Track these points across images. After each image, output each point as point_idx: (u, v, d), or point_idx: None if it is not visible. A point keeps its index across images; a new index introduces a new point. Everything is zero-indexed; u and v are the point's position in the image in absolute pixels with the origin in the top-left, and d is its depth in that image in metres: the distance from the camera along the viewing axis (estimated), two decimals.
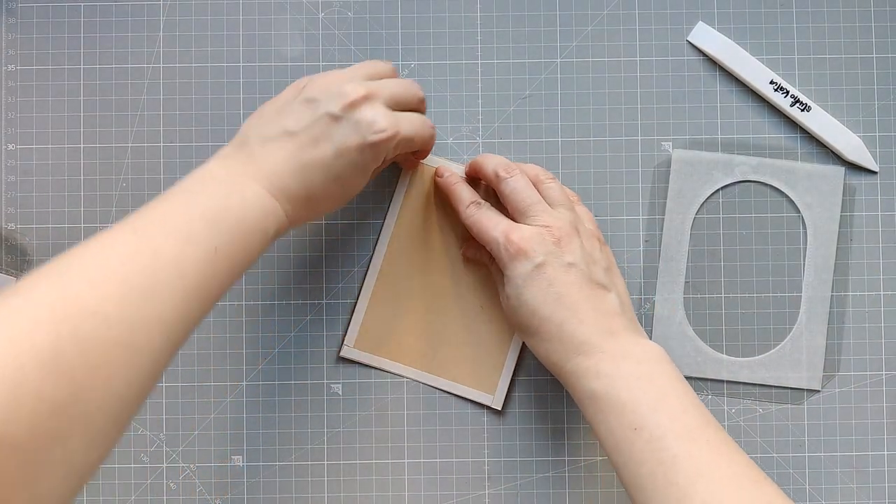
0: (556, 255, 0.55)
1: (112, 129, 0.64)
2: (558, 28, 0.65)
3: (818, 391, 0.63)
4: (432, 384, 0.63)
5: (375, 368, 0.64)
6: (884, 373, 0.64)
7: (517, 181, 0.58)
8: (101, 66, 0.65)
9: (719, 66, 0.64)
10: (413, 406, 0.64)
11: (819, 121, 0.64)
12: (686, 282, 0.64)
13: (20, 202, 0.64)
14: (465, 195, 0.60)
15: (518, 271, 0.56)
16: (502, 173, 0.59)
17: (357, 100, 0.53)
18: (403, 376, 0.64)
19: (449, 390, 0.63)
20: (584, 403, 0.54)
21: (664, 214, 0.64)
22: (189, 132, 0.64)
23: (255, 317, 0.64)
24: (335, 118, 0.53)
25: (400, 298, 0.63)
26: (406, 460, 0.64)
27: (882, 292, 0.64)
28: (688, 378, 0.63)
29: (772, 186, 0.64)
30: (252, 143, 0.53)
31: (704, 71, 0.65)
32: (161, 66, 0.65)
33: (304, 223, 0.56)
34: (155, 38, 0.65)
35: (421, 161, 0.63)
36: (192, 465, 0.64)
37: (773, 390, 0.63)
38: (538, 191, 0.59)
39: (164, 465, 0.63)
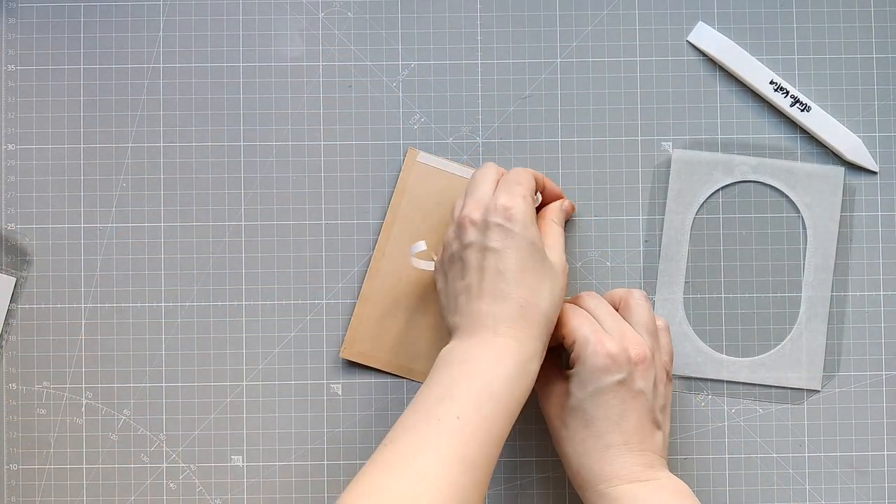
0: (632, 378, 0.55)
1: (112, 129, 0.64)
2: (558, 28, 0.65)
3: (818, 391, 0.63)
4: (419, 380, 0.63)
5: (375, 370, 0.64)
6: (884, 373, 0.64)
7: (648, 306, 0.59)
8: (101, 66, 0.65)
9: (719, 66, 0.64)
10: None
11: (819, 121, 0.64)
12: (686, 282, 0.64)
13: (20, 202, 0.64)
14: None
15: (597, 379, 0.55)
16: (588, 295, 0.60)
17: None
18: (404, 377, 0.64)
19: None
20: None
21: (664, 214, 0.64)
22: (189, 132, 0.64)
23: (255, 317, 0.64)
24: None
25: (398, 300, 0.63)
26: None
27: (882, 292, 0.64)
28: (688, 378, 0.63)
29: (772, 186, 0.64)
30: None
31: (704, 71, 0.65)
32: (161, 66, 0.65)
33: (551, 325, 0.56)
34: (155, 38, 0.65)
35: (421, 161, 0.63)
36: (192, 465, 0.64)
37: (773, 390, 0.63)
38: (627, 303, 0.58)
39: (164, 465, 0.64)
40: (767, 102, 0.64)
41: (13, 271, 0.64)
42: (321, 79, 0.65)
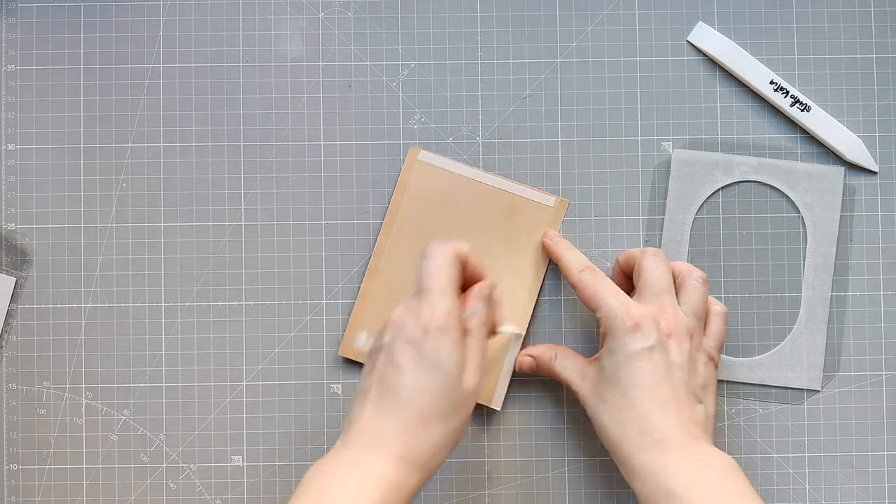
0: (663, 348, 0.54)
1: (112, 129, 0.64)
2: (558, 28, 0.65)
3: (818, 391, 0.63)
4: None
5: None
6: (884, 373, 0.64)
7: (659, 262, 0.57)
8: (101, 66, 0.65)
9: (719, 66, 0.64)
10: None
11: (819, 121, 0.64)
12: None
13: (20, 202, 0.64)
14: (576, 260, 0.60)
15: (627, 346, 0.54)
16: (650, 251, 0.58)
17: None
18: None
19: None
20: (655, 499, 0.52)
21: (664, 214, 0.64)
22: (189, 132, 0.64)
23: (255, 317, 0.64)
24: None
25: (397, 299, 0.62)
26: None
27: (882, 292, 0.64)
28: None
29: (772, 186, 0.64)
30: None
31: (704, 71, 0.65)
32: (161, 66, 0.65)
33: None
34: (155, 38, 0.65)
35: (422, 160, 0.63)
36: (192, 465, 0.64)
37: (773, 390, 0.63)
38: (683, 283, 0.57)
39: (164, 465, 0.64)
40: (767, 102, 0.64)
41: (13, 271, 0.64)
42: (321, 79, 0.65)
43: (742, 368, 0.63)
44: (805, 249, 0.64)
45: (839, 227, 0.64)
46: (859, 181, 0.64)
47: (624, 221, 0.64)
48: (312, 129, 0.64)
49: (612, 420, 0.55)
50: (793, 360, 0.63)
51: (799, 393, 0.63)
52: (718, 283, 0.64)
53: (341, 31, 0.65)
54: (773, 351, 0.63)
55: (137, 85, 0.65)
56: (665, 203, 0.64)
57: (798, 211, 0.64)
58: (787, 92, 0.63)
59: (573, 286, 0.59)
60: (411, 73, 0.65)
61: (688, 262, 0.63)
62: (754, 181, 0.64)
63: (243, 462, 0.64)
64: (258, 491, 0.63)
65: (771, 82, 0.64)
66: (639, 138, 0.64)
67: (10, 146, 0.64)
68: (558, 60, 0.65)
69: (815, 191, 0.64)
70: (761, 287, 0.64)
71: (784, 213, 0.64)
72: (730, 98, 0.64)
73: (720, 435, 0.63)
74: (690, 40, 0.65)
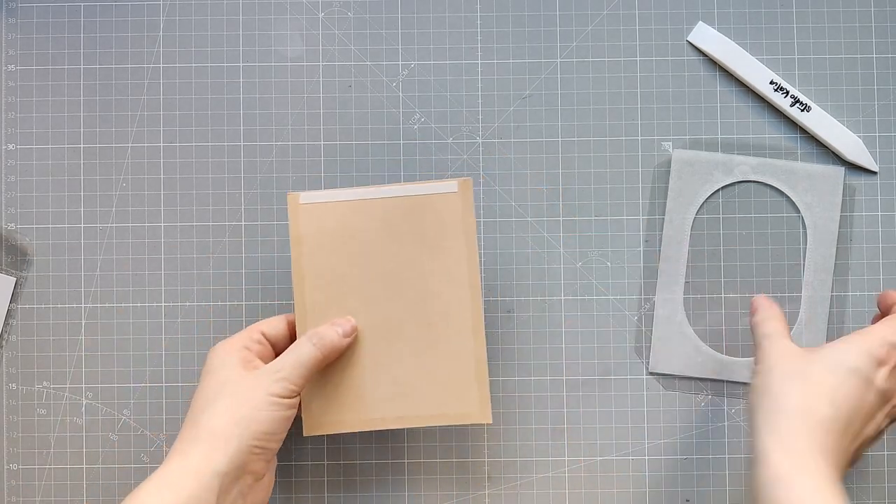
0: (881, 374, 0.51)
1: (112, 129, 0.64)
2: (558, 28, 0.65)
3: None
4: (410, 426, 0.59)
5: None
6: None
7: None
8: (101, 66, 0.65)
9: (719, 66, 0.64)
10: None
11: (819, 121, 0.64)
12: (686, 282, 0.64)
13: (20, 202, 0.64)
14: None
15: (866, 365, 0.51)
16: None
17: None
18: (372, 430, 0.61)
19: (430, 425, 0.59)
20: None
21: (664, 214, 0.64)
22: (189, 132, 0.64)
23: (254, 317, 0.64)
24: None
25: (345, 361, 0.58)
26: (406, 460, 0.64)
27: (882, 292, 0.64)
28: (688, 378, 0.63)
29: (772, 186, 0.64)
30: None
31: (704, 71, 0.65)
32: (161, 66, 0.65)
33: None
34: (155, 38, 0.65)
35: (305, 202, 0.58)
36: None
37: None
38: None
39: None
40: (767, 102, 0.64)
41: (13, 271, 0.64)
42: (321, 79, 0.65)
43: (742, 368, 0.63)
44: (805, 249, 0.64)
45: (839, 227, 0.63)
46: (859, 181, 0.64)
47: (624, 221, 0.64)
48: (312, 129, 0.64)
49: (830, 436, 0.50)
50: None
51: None
52: (718, 283, 0.64)
53: (341, 31, 0.65)
54: None
55: (137, 85, 0.65)
56: (665, 203, 0.64)
57: (798, 211, 0.64)
58: (787, 92, 0.63)
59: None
60: (411, 73, 0.65)
61: (688, 262, 0.63)
62: (754, 181, 0.64)
63: None
64: None
65: (771, 82, 0.64)
66: (639, 138, 0.64)
67: (10, 146, 0.64)
68: (558, 60, 0.65)
69: (815, 191, 0.63)
70: (761, 287, 0.63)
71: (784, 213, 0.64)
72: (730, 98, 0.64)
73: (720, 435, 0.63)
74: (690, 40, 0.65)
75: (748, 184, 0.64)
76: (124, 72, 0.65)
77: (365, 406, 0.58)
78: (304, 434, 0.58)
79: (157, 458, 0.63)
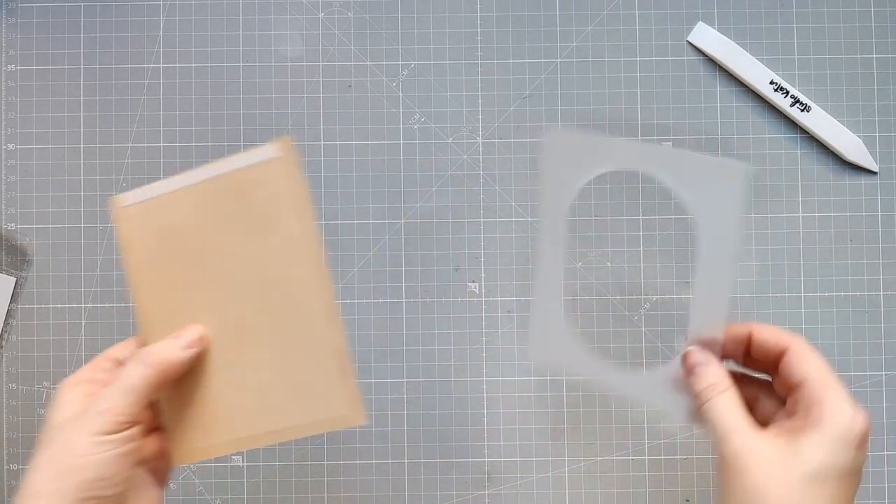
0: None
1: (112, 129, 0.64)
2: (558, 28, 0.65)
3: None
4: (282, 440, 0.49)
5: (375, 375, 0.63)
6: (883, 373, 0.64)
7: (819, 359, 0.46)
8: (101, 66, 0.65)
9: (719, 66, 0.64)
10: (413, 406, 0.64)
11: (819, 121, 0.64)
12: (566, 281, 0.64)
13: (20, 202, 0.64)
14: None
15: (856, 458, 0.43)
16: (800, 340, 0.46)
17: None
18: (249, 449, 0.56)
19: (304, 436, 0.49)
20: None
21: (544, 202, 0.59)
22: (189, 132, 0.64)
23: None
24: None
25: (196, 368, 0.49)
26: (406, 460, 0.64)
27: (882, 292, 0.64)
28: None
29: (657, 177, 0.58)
30: None
31: (704, 71, 0.65)
32: (161, 66, 0.65)
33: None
34: (155, 38, 0.65)
35: (127, 205, 0.50)
36: (192, 465, 0.63)
37: None
38: (796, 353, 0.46)
39: None
40: (767, 102, 0.64)
41: (13, 271, 0.64)
42: (321, 79, 0.65)
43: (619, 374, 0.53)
44: (697, 250, 0.59)
45: (831, 228, 0.64)
46: (859, 181, 0.64)
47: (624, 221, 0.64)
48: (312, 129, 0.64)
49: None
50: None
51: None
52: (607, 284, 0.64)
53: (341, 31, 0.65)
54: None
55: (137, 85, 0.65)
56: (665, 203, 0.64)
57: (687, 207, 0.59)
58: (787, 92, 0.63)
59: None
60: (411, 73, 0.65)
61: (567, 251, 0.57)
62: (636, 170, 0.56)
63: (243, 462, 0.64)
64: (258, 491, 0.63)
65: (771, 82, 0.64)
66: (639, 138, 0.64)
67: (10, 146, 0.64)
68: (558, 60, 0.65)
69: (706, 185, 0.52)
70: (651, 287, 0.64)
71: (672, 211, 0.64)
72: (730, 98, 0.64)
73: None
74: (690, 40, 0.65)
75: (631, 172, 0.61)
76: (124, 72, 0.65)
77: (232, 425, 0.49)
78: (173, 465, 0.50)
79: None
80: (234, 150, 0.64)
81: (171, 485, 0.63)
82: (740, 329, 0.47)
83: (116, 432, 0.45)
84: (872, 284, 0.64)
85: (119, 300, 0.64)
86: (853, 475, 0.43)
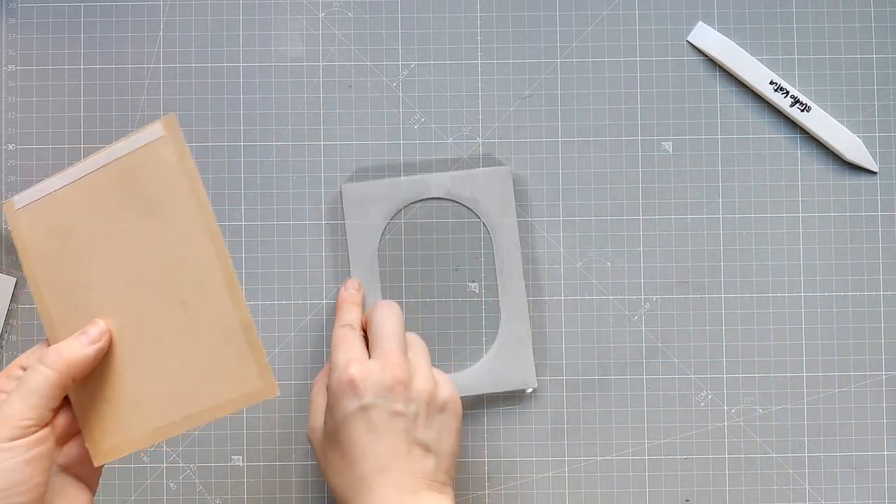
0: (387, 400, 0.52)
1: (112, 130, 0.64)
2: (558, 28, 0.65)
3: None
4: (201, 424, 0.50)
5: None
6: (883, 373, 0.64)
7: (388, 312, 0.56)
8: (101, 67, 0.65)
9: (719, 66, 0.64)
10: None
11: (819, 121, 0.64)
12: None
13: None
14: (345, 316, 0.58)
15: (342, 406, 0.53)
16: (381, 303, 0.58)
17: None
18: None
19: (221, 416, 0.49)
20: None
21: (349, 251, 0.64)
22: (189, 132, 0.64)
23: (255, 317, 0.64)
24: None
25: (109, 362, 0.49)
26: None
27: (882, 292, 0.64)
28: (688, 377, 0.63)
29: (454, 201, 0.63)
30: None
31: (704, 71, 0.65)
32: (161, 66, 0.65)
33: None
34: (155, 38, 0.65)
35: (20, 206, 0.51)
36: (192, 465, 0.63)
37: (774, 391, 0.63)
38: (372, 315, 0.57)
39: (164, 464, 0.63)
40: (767, 102, 0.64)
41: (13, 271, 0.64)
42: (321, 79, 0.65)
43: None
44: (494, 257, 0.63)
45: (831, 228, 0.64)
46: (859, 181, 0.64)
47: (624, 221, 0.64)
48: (312, 129, 0.64)
49: (337, 482, 0.53)
50: (506, 363, 0.63)
51: (799, 393, 0.64)
52: (416, 304, 0.64)
53: (341, 31, 0.65)
54: (483, 359, 0.63)
55: (137, 85, 0.65)
56: (665, 203, 0.64)
57: (478, 216, 0.63)
58: (787, 92, 0.63)
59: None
60: (411, 73, 0.65)
61: (385, 295, 0.63)
62: (430, 198, 0.63)
63: (243, 462, 0.64)
64: (258, 491, 0.63)
65: (771, 82, 0.64)
66: (639, 138, 0.64)
67: (10, 146, 0.64)
68: (558, 60, 0.65)
69: (485, 193, 0.63)
70: (459, 297, 0.64)
71: (467, 231, 0.63)
72: (730, 98, 0.64)
73: (720, 435, 0.63)
74: (690, 40, 0.65)
75: (427, 202, 0.63)
76: (124, 72, 0.65)
77: (147, 416, 0.49)
78: (95, 465, 0.50)
79: (158, 458, 0.63)
80: (234, 150, 0.64)
81: (172, 484, 0.63)
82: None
83: (21, 437, 0.45)
84: (872, 284, 0.64)
85: None
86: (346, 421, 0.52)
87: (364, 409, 0.52)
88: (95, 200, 0.49)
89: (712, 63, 0.64)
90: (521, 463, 0.64)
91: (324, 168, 0.64)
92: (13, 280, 0.64)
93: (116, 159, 0.49)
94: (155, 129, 0.48)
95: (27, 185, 0.64)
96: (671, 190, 0.64)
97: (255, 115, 0.64)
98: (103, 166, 0.49)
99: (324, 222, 0.64)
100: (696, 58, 0.65)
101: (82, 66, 0.65)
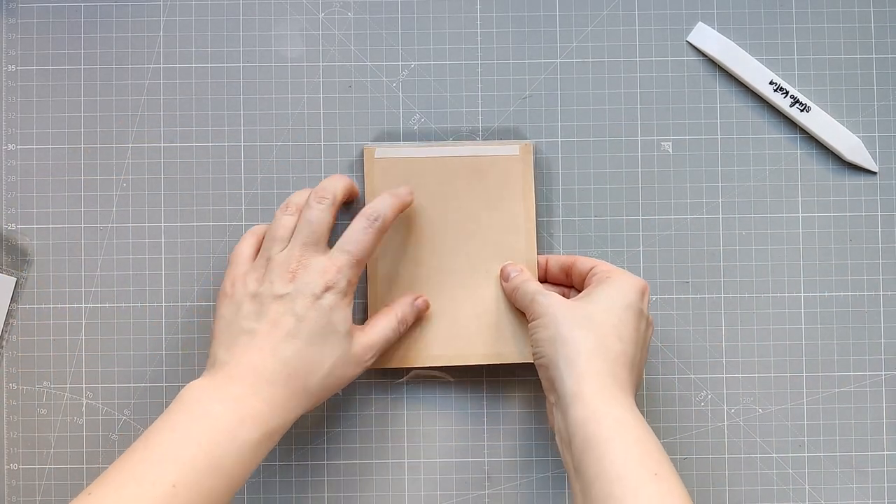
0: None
1: (112, 129, 0.64)
2: (558, 28, 0.65)
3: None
4: (465, 364, 0.62)
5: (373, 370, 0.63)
6: (883, 373, 0.64)
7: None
8: (101, 67, 0.65)
9: (719, 66, 0.64)
10: (413, 406, 0.64)
11: (819, 121, 0.64)
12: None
13: (20, 202, 0.64)
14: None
15: (636, 300, 0.57)
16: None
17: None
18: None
19: (483, 363, 0.62)
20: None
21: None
22: (189, 132, 0.64)
23: None
24: (280, 297, 0.56)
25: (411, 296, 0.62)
26: (406, 460, 0.64)
27: (882, 292, 0.64)
28: (689, 377, 0.63)
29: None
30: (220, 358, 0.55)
31: (704, 71, 0.65)
32: (161, 66, 0.65)
33: (310, 404, 0.56)
34: (155, 38, 0.65)
35: (380, 157, 0.63)
36: None
37: (773, 391, 0.64)
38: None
39: None
40: (767, 102, 0.64)
41: (13, 271, 0.64)
42: (321, 79, 0.65)
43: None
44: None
45: (831, 228, 0.64)
46: (859, 181, 0.64)
47: (624, 221, 0.64)
48: (312, 129, 0.64)
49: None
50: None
51: (799, 393, 0.64)
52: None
53: (341, 31, 0.65)
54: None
55: (137, 85, 0.65)
56: (665, 203, 0.64)
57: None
58: (787, 92, 0.64)
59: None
60: (411, 73, 0.65)
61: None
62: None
63: None
64: (259, 491, 0.63)
65: (771, 82, 0.64)
66: (639, 138, 0.64)
67: (10, 146, 0.64)
68: (558, 60, 0.65)
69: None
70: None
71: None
72: (730, 98, 0.64)
73: (720, 435, 0.63)
74: (690, 41, 0.65)
75: None
76: (124, 72, 0.65)
77: (426, 345, 0.62)
78: (371, 367, 0.59)
79: None
80: (234, 150, 0.64)
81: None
82: (563, 259, 0.62)
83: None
84: (872, 284, 0.64)
85: (119, 300, 0.64)
86: (640, 313, 0.56)
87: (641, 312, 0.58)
88: (448, 177, 0.62)
89: (712, 63, 0.64)
90: (521, 463, 0.64)
91: (323, 168, 0.64)
92: (13, 280, 0.64)
93: (473, 156, 0.62)
94: (513, 148, 0.62)
95: (27, 185, 0.64)
96: (671, 190, 0.64)
97: (255, 115, 0.64)
98: (463, 156, 0.62)
99: None
100: (695, 58, 0.65)
101: (82, 66, 0.65)
